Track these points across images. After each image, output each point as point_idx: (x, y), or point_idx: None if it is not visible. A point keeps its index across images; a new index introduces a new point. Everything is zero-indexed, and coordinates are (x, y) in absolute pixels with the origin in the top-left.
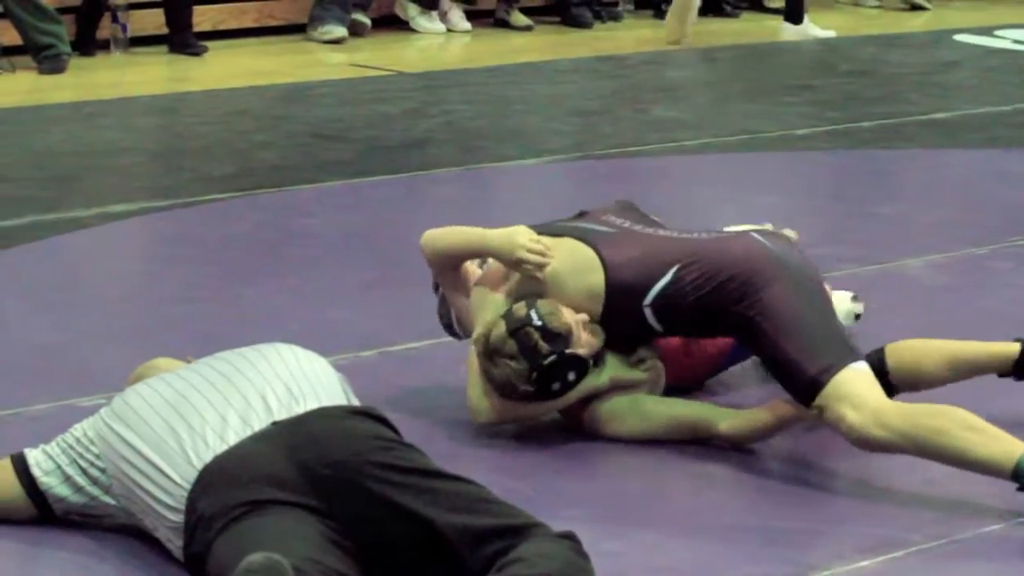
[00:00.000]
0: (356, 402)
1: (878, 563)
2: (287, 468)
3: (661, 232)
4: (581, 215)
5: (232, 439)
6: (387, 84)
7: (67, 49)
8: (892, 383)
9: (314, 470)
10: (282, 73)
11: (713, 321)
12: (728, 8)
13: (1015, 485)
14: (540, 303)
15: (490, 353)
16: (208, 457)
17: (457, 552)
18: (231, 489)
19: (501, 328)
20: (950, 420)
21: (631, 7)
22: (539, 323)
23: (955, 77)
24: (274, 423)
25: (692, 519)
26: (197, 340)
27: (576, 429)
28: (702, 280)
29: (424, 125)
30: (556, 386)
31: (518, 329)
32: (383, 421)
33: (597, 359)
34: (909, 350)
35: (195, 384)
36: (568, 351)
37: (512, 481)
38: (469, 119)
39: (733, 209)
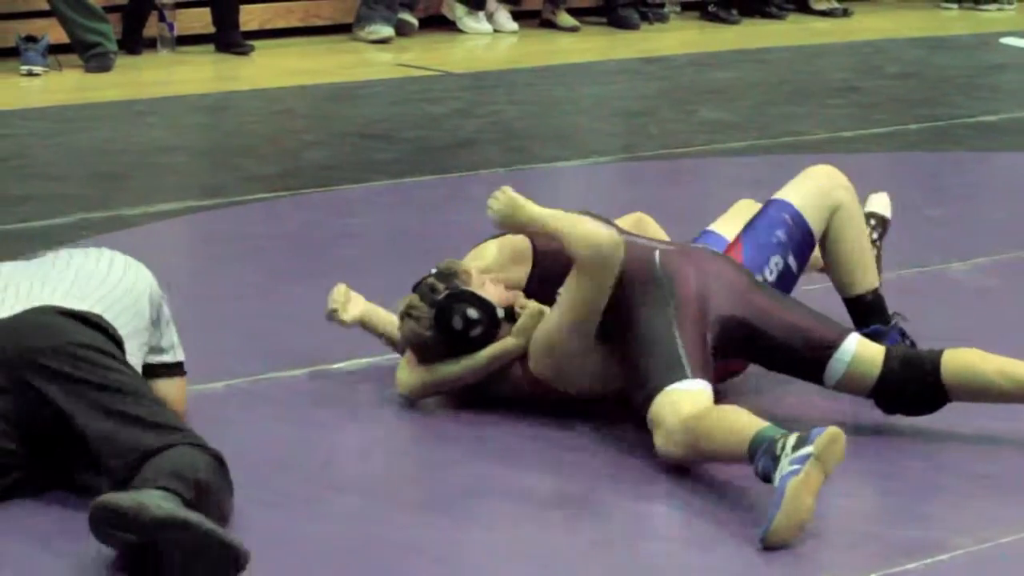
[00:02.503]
0: (165, 326)
1: (923, 566)
2: None
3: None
4: None
5: None
6: (434, 84)
7: (114, 47)
8: (946, 391)
9: (6, 356)
10: (329, 73)
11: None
12: (774, 10)
13: None
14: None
15: (400, 315)
16: None
17: (103, 460)
18: None
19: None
20: (715, 418)
21: (677, 9)
22: (434, 271)
23: (1002, 80)
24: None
25: (731, 523)
26: (242, 339)
27: (521, 395)
28: None
29: (471, 125)
30: (457, 323)
31: (418, 284)
32: (99, 327)
33: (513, 316)
34: (963, 361)
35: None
36: (465, 288)
37: (562, 482)
38: (515, 120)
39: None
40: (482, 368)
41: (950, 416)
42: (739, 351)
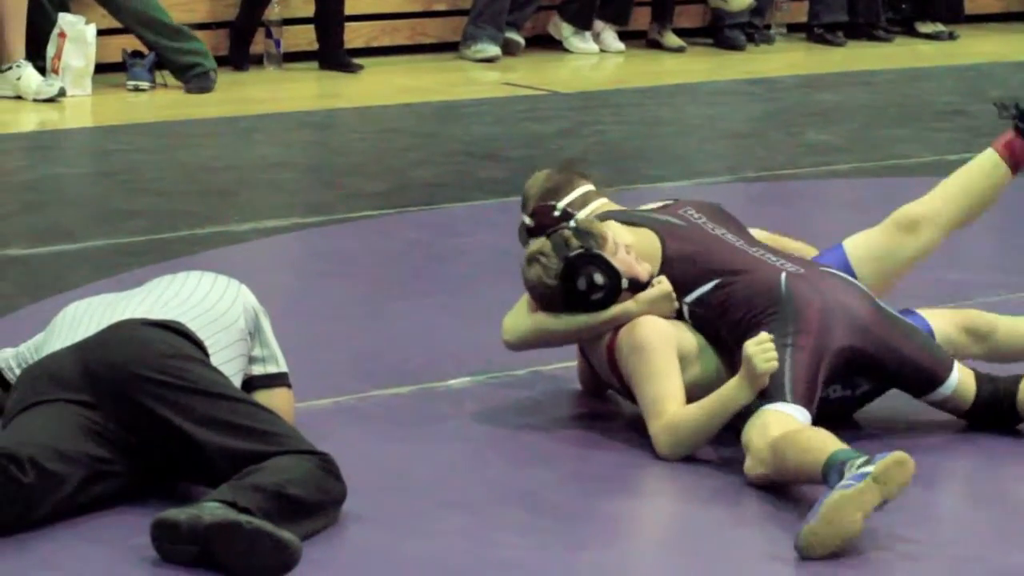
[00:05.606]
0: (264, 339)
1: None
2: (73, 369)
3: (726, 236)
4: (666, 206)
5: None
6: (540, 103)
7: (212, 64)
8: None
9: (94, 370)
10: (435, 91)
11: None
12: (881, 32)
13: None
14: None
15: (529, 258)
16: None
17: (215, 467)
18: (23, 391)
19: (544, 237)
20: (794, 438)
21: (783, 30)
22: (574, 225)
23: None
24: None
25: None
26: (348, 356)
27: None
28: (728, 305)
29: (577, 145)
30: (582, 283)
31: (555, 231)
32: (183, 334)
33: (637, 287)
34: None
35: (95, 304)
36: (598, 252)
37: (670, 506)
38: (622, 140)
39: None
40: (597, 328)
41: None
42: (850, 373)
